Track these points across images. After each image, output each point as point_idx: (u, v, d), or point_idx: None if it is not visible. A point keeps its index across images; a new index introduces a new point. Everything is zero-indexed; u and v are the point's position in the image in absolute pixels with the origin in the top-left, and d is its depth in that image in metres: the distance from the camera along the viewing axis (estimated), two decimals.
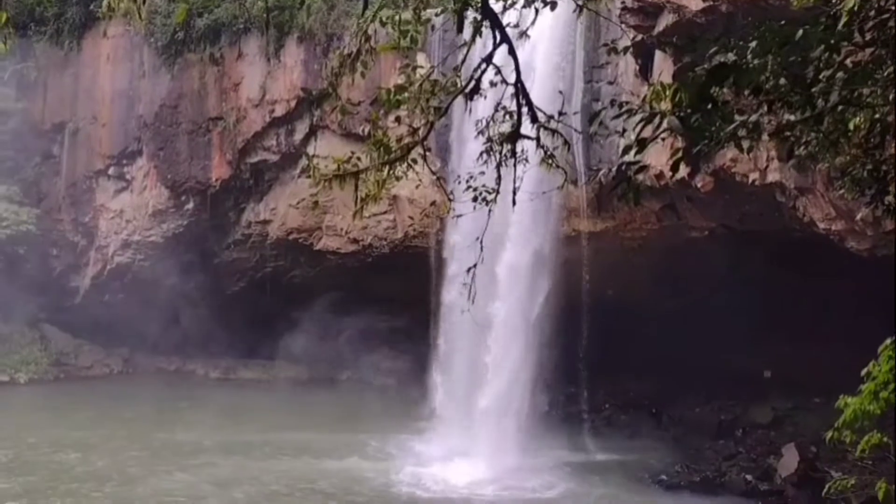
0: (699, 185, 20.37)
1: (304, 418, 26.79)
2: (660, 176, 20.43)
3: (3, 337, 33.04)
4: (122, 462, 21.52)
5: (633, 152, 5.33)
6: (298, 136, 29.88)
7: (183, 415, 27.32)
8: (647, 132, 5.26)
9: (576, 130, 13.64)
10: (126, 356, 35.50)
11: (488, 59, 8.14)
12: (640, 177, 6.11)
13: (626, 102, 5.80)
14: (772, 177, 18.47)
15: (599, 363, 24.12)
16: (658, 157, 18.00)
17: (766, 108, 4.86)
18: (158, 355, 35.04)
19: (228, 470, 20.96)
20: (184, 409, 28.11)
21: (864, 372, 5.76)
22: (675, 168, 5.57)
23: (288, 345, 32.12)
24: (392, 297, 29.94)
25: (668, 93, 5.39)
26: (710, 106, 4.77)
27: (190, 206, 32.18)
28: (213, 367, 35.03)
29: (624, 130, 5.68)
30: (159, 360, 35.28)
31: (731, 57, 4.91)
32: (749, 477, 20.25)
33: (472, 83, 8.33)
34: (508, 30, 8.22)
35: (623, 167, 5.61)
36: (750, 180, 18.95)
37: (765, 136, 5.36)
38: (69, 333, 35.18)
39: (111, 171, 33.77)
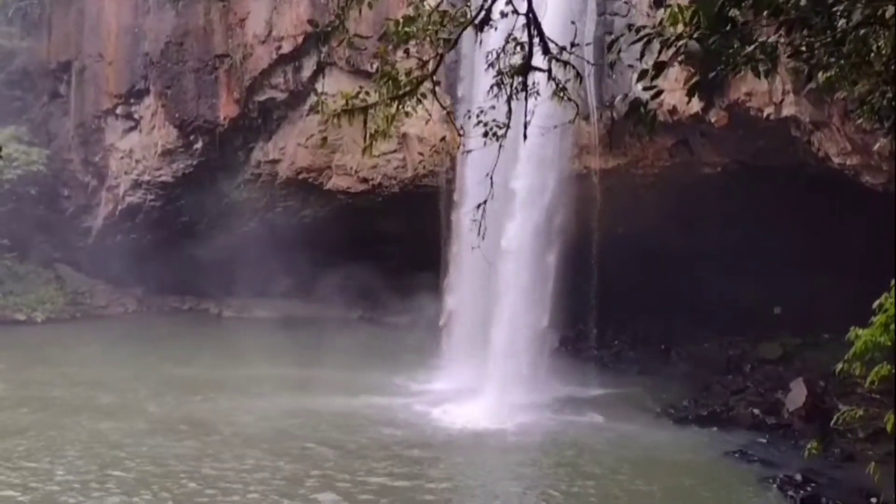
0: (713, 120, 20.08)
1: (316, 357, 27.08)
2: (673, 111, 20.14)
3: (18, 276, 33.42)
4: (130, 397, 21.87)
5: (649, 77, 5.20)
6: (306, 74, 29.53)
7: (195, 352, 27.71)
8: (663, 58, 5.12)
9: (588, 62, 13.39)
10: (140, 296, 35.91)
11: None
12: (655, 104, 5.98)
13: (644, 26, 5.63)
14: (787, 111, 18.17)
15: (609, 301, 24.20)
16: (672, 92, 17.72)
17: (784, 29, 4.71)
18: (172, 294, 35.42)
19: (241, 406, 21.29)
20: (196, 347, 28.50)
21: (875, 304, 5.73)
22: (690, 94, 5.44)
23: (300, 284, 32.36)
24: (403, 236, 29.99)
25: (685, 15, 5.23)
26: (727, 28, 4.62)
27: (198, 145, 32.07)
28: (227, 306, 35.41)
29: (642, 55, 5.53)
30: (173, 299, 35.68)
31: None
32: (756, 411, 20.43)
33: (483, 14, 8.16)
34: None
35: (636, 100, 5.49)
36: (765, 114, 18.65)
37: (782, 65, 5.22)
38: (83, 273, 35.56)
39: (119, 110, 33.59)
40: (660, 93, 5.65)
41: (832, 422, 6.49)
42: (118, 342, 29.34)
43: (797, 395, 19.60)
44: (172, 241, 33.57)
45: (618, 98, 21.23)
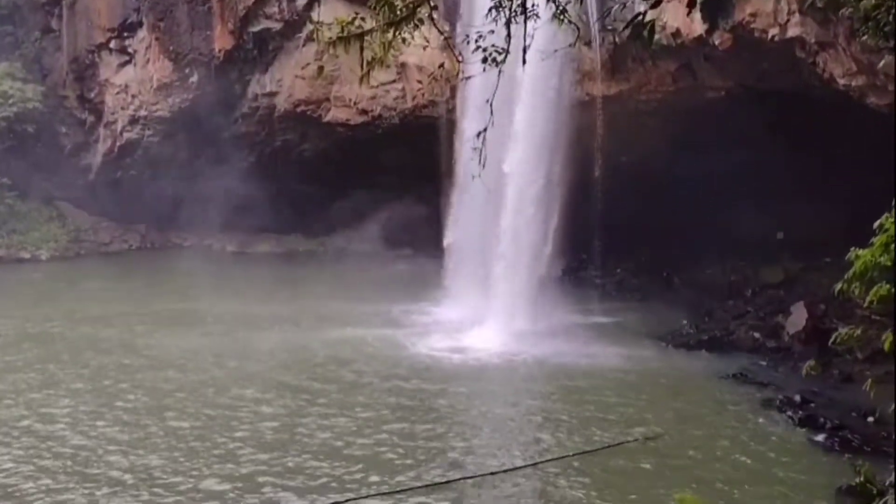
0: (717, 43, 19.73)
1: (319, 289, 27.33)
2: (677, 34, 19.79)
3: (21, 215, 33.45)
4: (130, 332, 22.05)
5: None
6: (301, 2, 28.93)
7: (197, 288, 27.81)
8: None
9: None
10: (143, 232, 35.98)
11: None
12: (654, 14, 5.85)
13: None
14: (792, 31, 17.82)
15: (612, 229, 24.22)
16: (674, 14, 17.38)
17: None
18: (174, 231, 35.48)
19: (242, 340, 21.47)
20: (198, 283, 28.60)
21: (876, 224, 5.71)
22: (691, 5, 5.30)
23: (302, 218, 32.37)
24: (403, 168, 29.83)
25: None
26: None
27: (194, 79, 31.64)
28: (229, 242, 35.49)
29: None
30: (175, 235, 35.76)
31: None
32: (757, 335, 20.64)
33: None
34: None
35: (636, 16, 5.37)
36: (769, 36, 18.30)
37: None
38: (85, 211, 35.58)
39: (112, 44, 33.04)
40: (659, 2, 5.51)
41: (830, 341, 6.55)
42: (121, 279, 29.53)
43: (797, 318, 19.77)
44: (172, 178, 33.46)
45: (620, 20, 20.82)
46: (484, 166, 8.55)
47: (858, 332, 6.11)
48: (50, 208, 34.72)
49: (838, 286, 5.81)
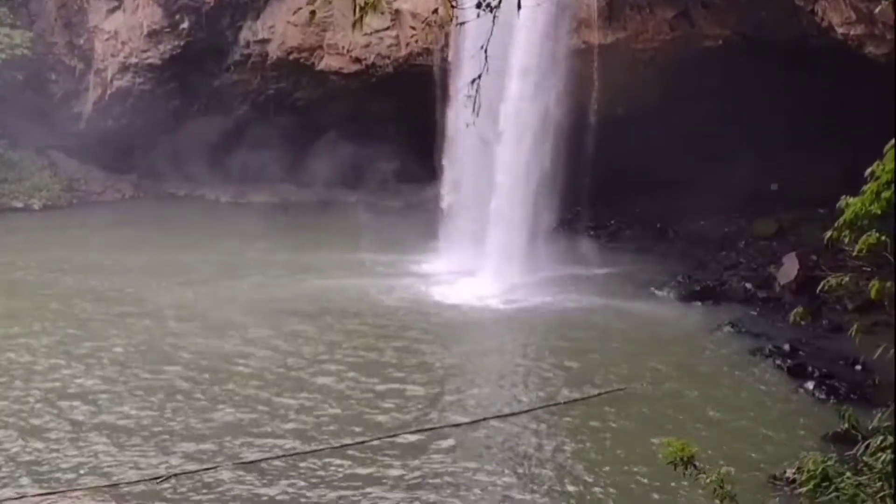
0: None
1: (315, 240, 27.34)
2: None
3: (12, 164, 33.17)
4: (119, 282, 22.01)
5: None
6: None
7: (191, 238, 27.76)
8: None
9: None
10: (135, 181, 35.72)
11: None
12: None
13: None
14: None
15: (606, 181, 24.19)
16: None
17: None
18: (168, 180, 35.22)
19: (240, 289, 21.55)
20: (192, 233, 28.56)
21: (867, 172, 5.72)
22: None
23: (297, 168, 32.15)
24: (398, 118, 29.59)
25: None
26: None
27: (185, 25, 31.11)
28: (223, 192, 35.28)
29: None
30: (169, 185, 35.50)
31: None
32: (748, 285, 20.79)
33: None
34: None
35: None
36: None
37: None
38: (77, 160, 35.24)
39: None
40: None
41: (819, 289, 6.61)
42: (114, 228, 29.39)
43: (789, 268, 19.90)
44: (165, 127, 33.13)
45: None
46: (478, 114, 8.48)
47: (847, 278, 6.15)
48: (41, 157, 34.37)
49: (827, 234, 5.84)
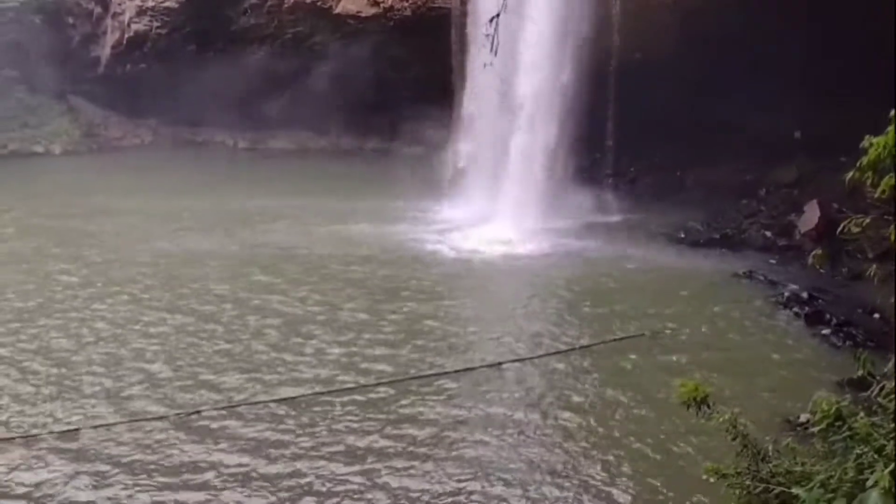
0: None
1: (333, 186, 27.35)
2: None
3: (32, 109, 33.27)
4: (129, 226, 22.18)
5: None
6: None
7: (209, 184, 27.86)
8: None
9: None
10: (154, 127, 35.78)
11: None
12: None
13: None
14: None
15: (625, 128, 23.91)
16: None
17: None
18: (186, 126, 35.26)
19: (259, 235, 21.69)
20: (209, 179, 28.66)
21: (892, 113, 5.61)
22: None
23: (314, 115, 32.05)
24: (415, 63, 29.30)
25: None
26: None
27: None
28: (241, 138, 35.32)
29: None
30: (187, 131, 35.56)
31: None
32: (768, 233, 20.65)
33: None
34: None
35: None
36: None
37: None
38: (96, 105, 35.30)
39: None
40: None
41: (839, 230, 6.54)
42: (131, 174, 29.52)
43: (810, 216, 19.71)
44: (183, 72, 33.01)
45: None
46: (496, 54, 8.41)
47: (868, 220, 6.07)
48: (61, 102, 34.44)
49: (849, 175, 5.76)
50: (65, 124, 33.70)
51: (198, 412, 11.63)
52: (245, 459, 10.39)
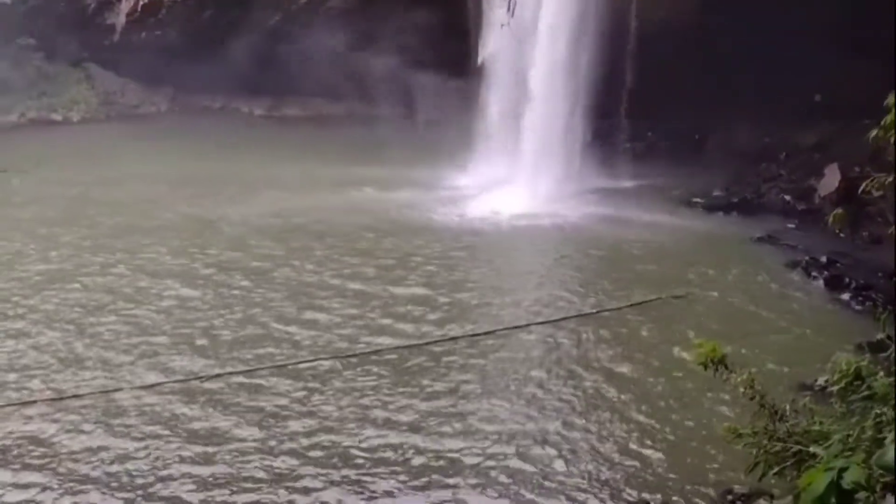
0: None
1: (350, 153, 27.25)
2: None
3: (49, 77, 33.36)
4: (145, 193, 22.17)
5: None
6: None
7: (228, 151, 27.80)
8: None
9: None
10: (171, 95, 35.76)
11: None
12: None
13: None
14: None
15: (643, 92, 23.65)
16: None
17: None
18: (203, 94, 35.19)
19: (273, 202, 21.58)
20: (226, 146, 28.59)
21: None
22: None
23: (330, 82, 31.91)
24: (433, 29, 29.01)
25: None
26: None
27: None
28: (257, 105, 35.25)
29: None
30: (204, 98, 35.49)
31: None
32: (788, 197, 20.50)
33: None
34: None
35: None
36: None
37: None
38: (113, 72, 35.29)
39: None
40: None
41: (860, 190, 6.49)
42: (147, 142, 29.49)
43: (830, 180, 19.52)
44: (198, 39, 32.89)
45: None
46: (513, 14, 8.33)
47: (890, 179, 6.03)
48: (78, 70, 34.44)
49: (872, 133, 5.70)
50: (82, 92, 33.75)
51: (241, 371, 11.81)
52: (254, 430, 10.56)
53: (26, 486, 9.26)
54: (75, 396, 11.15)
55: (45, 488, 9.21)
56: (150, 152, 27.47)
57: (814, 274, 15.84)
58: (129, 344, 12.86)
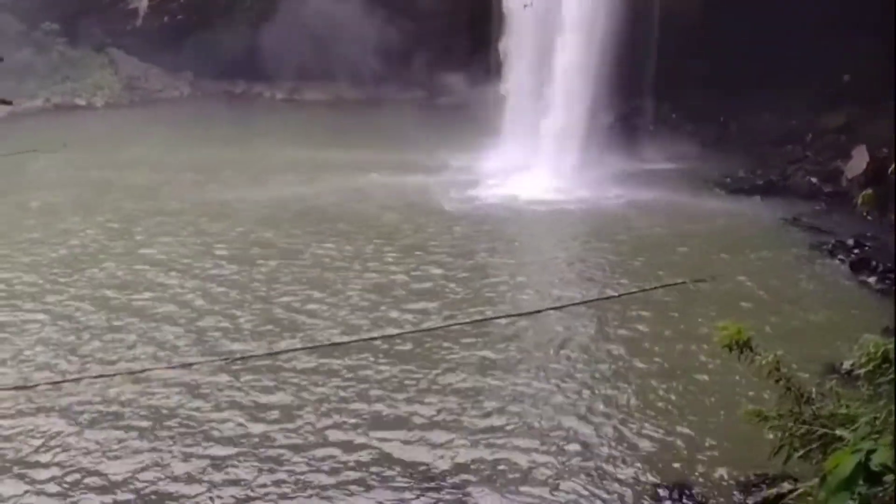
0: None
1: (370, 137, 27.20)
2: None
3: (72, 62, 33.59)
4: (165, 178, 22.30)
5: None
6: None
7: (248, 135, 27.82)
8: None
9: None
10: (193, 80, 35.91)
11: None
12: None
13: None
14: None
15: (667, 74, 23.41)
16: None
17: None
18: (224, 79, 35.34)
19: (292, 186, 21.61)
20: (249, 130, 28.65)
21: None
22: None
23: (351, 66, 31.88)
24: (454, 9, 28.88)
25: None
26: None
27: None
28: (279, 89, 35.32)
29: None
30: (225, 83, 35.63)
31: None
32: (814, 179, 20.24)
33: None
34: None
35: None
36: None
37: None
38: (136, 57, 35.47)
39: None
40: None
41: (890, 170, 6.37)
42: (169, 126, 29.64)
43: (858, 161, 19.22)
44: (220, 24, 32.98)
45: None
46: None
47: None
48: (101, 55, 34.66)
49: None
50: (105, 77, 33.97)
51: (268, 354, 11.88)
52: (282, 403, 10.64)
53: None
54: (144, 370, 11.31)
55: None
56: (171, 137, 27.62)
57: (840, 256, 15.64)
58: (155, 322, 12.98)
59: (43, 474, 9.11)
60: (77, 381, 11.16)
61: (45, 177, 21.82)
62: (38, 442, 9.72)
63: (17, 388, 10.91)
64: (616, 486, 9.07)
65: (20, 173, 21.86)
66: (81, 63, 33.89)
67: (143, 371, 11.43)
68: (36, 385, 10.98)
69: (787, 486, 8.45)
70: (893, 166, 6.37)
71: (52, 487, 8.91)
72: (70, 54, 33.51)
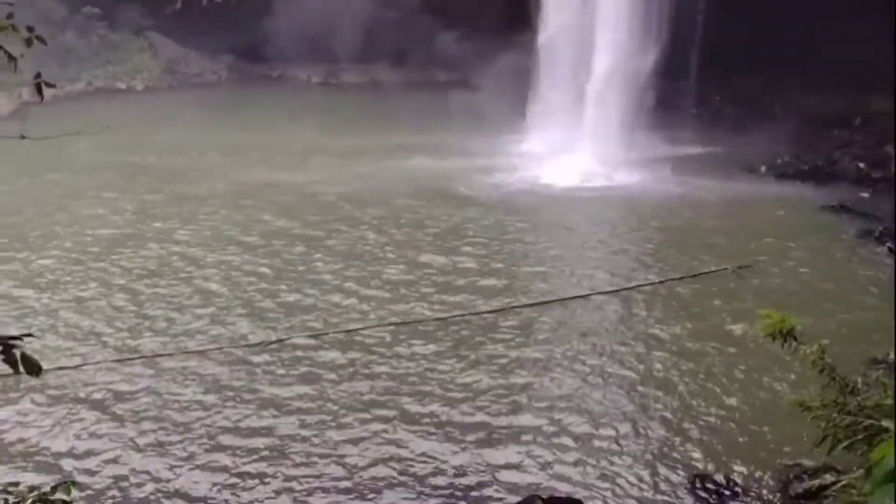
0: None
1: (406, 120, 26.99)
2: None
3: (113, 45, 33.91)
4: (202, 161, 22.33)
5: None
6: None
7: (284, 119, 27.74)
8: None
9: None
10: (231, 63, 36.05)
11: None
12: None
13: None
14: None
15: (711, 55, 22.87)
16: None
17: None
18: (262, 62, 35.43)
19: (335, 170, 21.57)
20: (285, 114, 28.59)
21: None
22: None
23: (388, 49, 31.75)
24: None
25: None
26: None
27: None
28: (315, 72, 35.31)
29: None
30: (263, 66, 35.71)
31: None
32: (862, 164, 19.64)
33: None
34: None
35: None
36: None
37: None
38: (175, 41, 35.70)
39: None
40: None
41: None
42: (207, 110, 29.70)
43: None
44: (259, 6, 32.99)
45: None
46: None
47: None
48: (141, 39, 34.91)
49: None
50: (145, 61, 34.23)
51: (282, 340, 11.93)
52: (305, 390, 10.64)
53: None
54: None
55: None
56: (208, 121, 27.74)
57: (888, 244, 15.17)
58: (190, 307, 13.07)
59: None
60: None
61: (89, 158, 22.00)
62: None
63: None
64: (663, 469, 8.96)
65: (61, 157, 22.03)
66: (121, 47, 34.20)
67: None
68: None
69: (829, 477, 8.22)
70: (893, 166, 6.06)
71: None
72: (110, 38, 33.83)
